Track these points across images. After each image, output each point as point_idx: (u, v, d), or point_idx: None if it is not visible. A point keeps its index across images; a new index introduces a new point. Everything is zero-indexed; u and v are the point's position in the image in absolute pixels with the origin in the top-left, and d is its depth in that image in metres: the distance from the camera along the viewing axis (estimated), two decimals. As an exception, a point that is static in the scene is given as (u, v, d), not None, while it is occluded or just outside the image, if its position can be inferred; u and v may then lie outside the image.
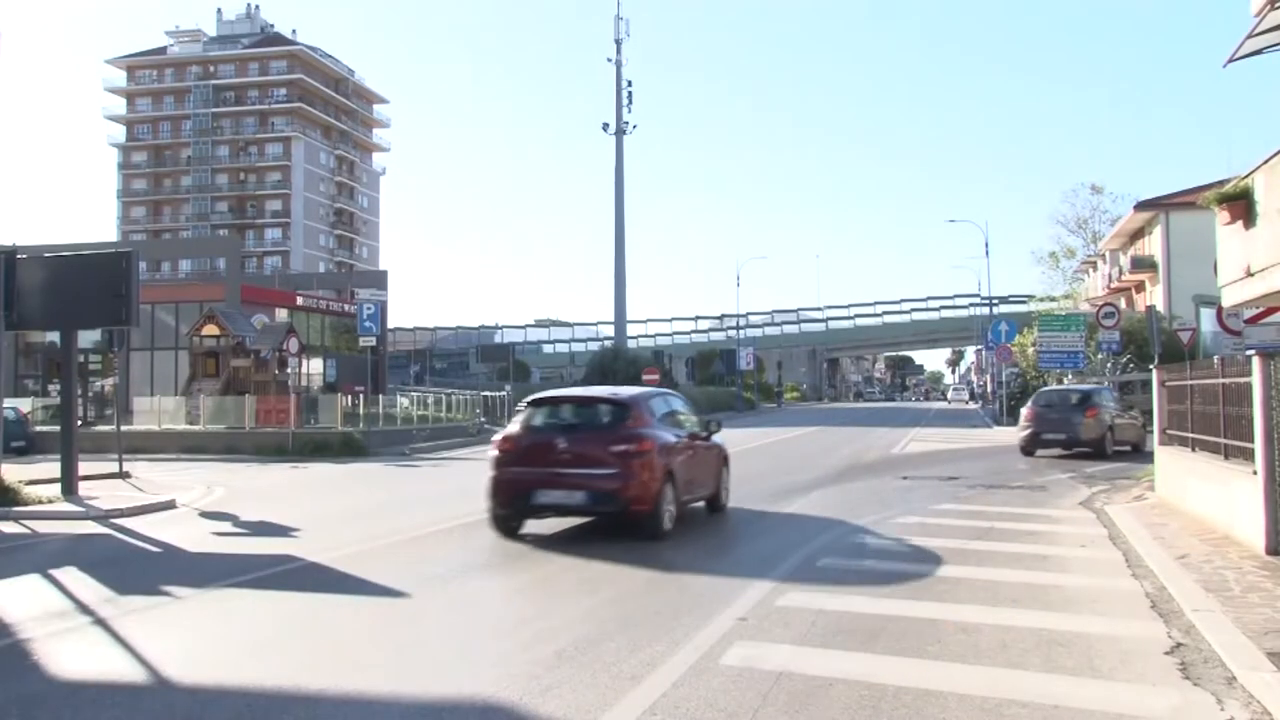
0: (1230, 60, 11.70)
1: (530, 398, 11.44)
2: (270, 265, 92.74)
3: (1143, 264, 47.08)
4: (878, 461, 21.04)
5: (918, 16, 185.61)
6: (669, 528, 10.38)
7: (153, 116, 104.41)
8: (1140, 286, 49.39)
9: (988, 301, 71.86)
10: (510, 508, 10.54)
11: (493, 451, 10.74)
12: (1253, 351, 9.39)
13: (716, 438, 12.61)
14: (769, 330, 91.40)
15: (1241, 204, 10.83)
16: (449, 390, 38.73)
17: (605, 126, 60.59)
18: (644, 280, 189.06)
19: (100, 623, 7.09)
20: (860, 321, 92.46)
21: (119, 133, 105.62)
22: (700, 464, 11.75)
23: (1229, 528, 9.74)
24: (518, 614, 7.30)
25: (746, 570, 8.71)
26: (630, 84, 60.68)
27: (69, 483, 14.80)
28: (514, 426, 10.88)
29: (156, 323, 39.26)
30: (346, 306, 47.86)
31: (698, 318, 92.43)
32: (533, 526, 10.99)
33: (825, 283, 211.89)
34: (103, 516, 13.22)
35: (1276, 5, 10.07)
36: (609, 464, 10.04)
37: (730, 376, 62.02)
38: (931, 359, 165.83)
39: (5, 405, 25.59)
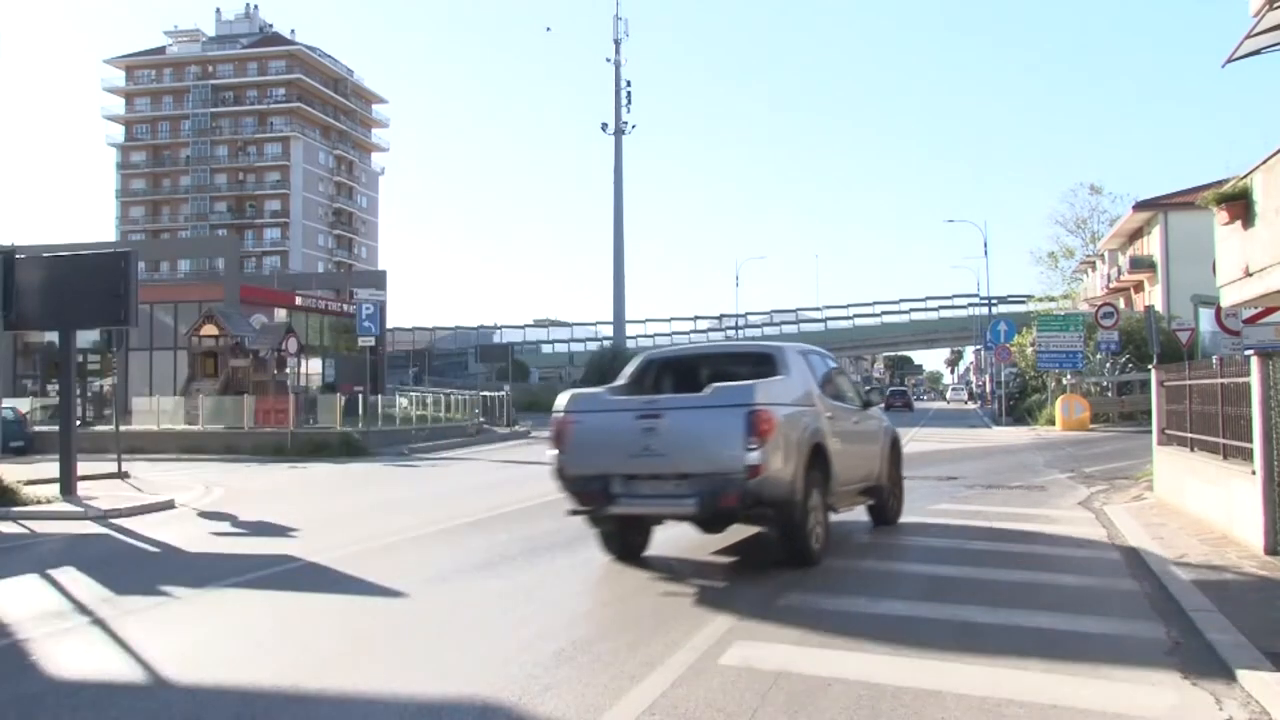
0: (1229, 60, 11.71)
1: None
2: (269, 265, 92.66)
3: (1141, 264, 47.15)
4: (877, 461, 21.01)
5: (917, 17, 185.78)
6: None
7: (151, 116, 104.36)
8: (1139, 286, 49.44)
9: (986, 301, 71.91)
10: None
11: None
12: (1251, 351, 9.38)
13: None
14: (768, 330, 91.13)
15: (1240, 204, 10.83)
16: (448, 390, 38.68)
17: (604, 126, 60.54)
18: (643, 280, 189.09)
19: (99, 623, 7.09)
20: (859, 321, 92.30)
21: (118, 133, 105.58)
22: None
23: (1228, 528, 9.74)
24: (517, 614, 7.30)
25: (745, 570, 8.71)
26: (629, 84, 60.66)
27: (67, 483, 14.79)
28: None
29: (155, 323, 39.22)
30: (345, 306, 47.84)
31: (696, 318, 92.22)
32: (532, 529, 11.06)
33: (824, 283, 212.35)
34: (101, 516, 13.22)
35: (1275, 5, 10.08)
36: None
37: (729, 376, 61.87)
38: (930, 359, 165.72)
39: (4, 405, 25.65)
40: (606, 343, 66.78)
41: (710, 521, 8.70)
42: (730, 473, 7.86)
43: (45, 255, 16.28)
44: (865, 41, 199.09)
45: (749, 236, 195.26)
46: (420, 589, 8.14)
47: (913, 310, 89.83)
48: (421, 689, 5.38)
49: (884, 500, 10.95)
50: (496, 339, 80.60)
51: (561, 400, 8.88)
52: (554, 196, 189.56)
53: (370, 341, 32.47)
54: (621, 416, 8.43)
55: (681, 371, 9.98)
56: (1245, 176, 10.93)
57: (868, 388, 12.53)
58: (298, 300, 46.50)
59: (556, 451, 8.62)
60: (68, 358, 15.90)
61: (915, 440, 28.95)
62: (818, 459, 8.65)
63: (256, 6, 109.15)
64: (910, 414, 51.12)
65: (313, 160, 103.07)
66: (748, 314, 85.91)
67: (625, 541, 9.13)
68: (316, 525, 12.34)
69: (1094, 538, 10.38)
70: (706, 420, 8.15)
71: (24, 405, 30.25)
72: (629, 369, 9.95)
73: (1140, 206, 46.21)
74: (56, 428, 18.62)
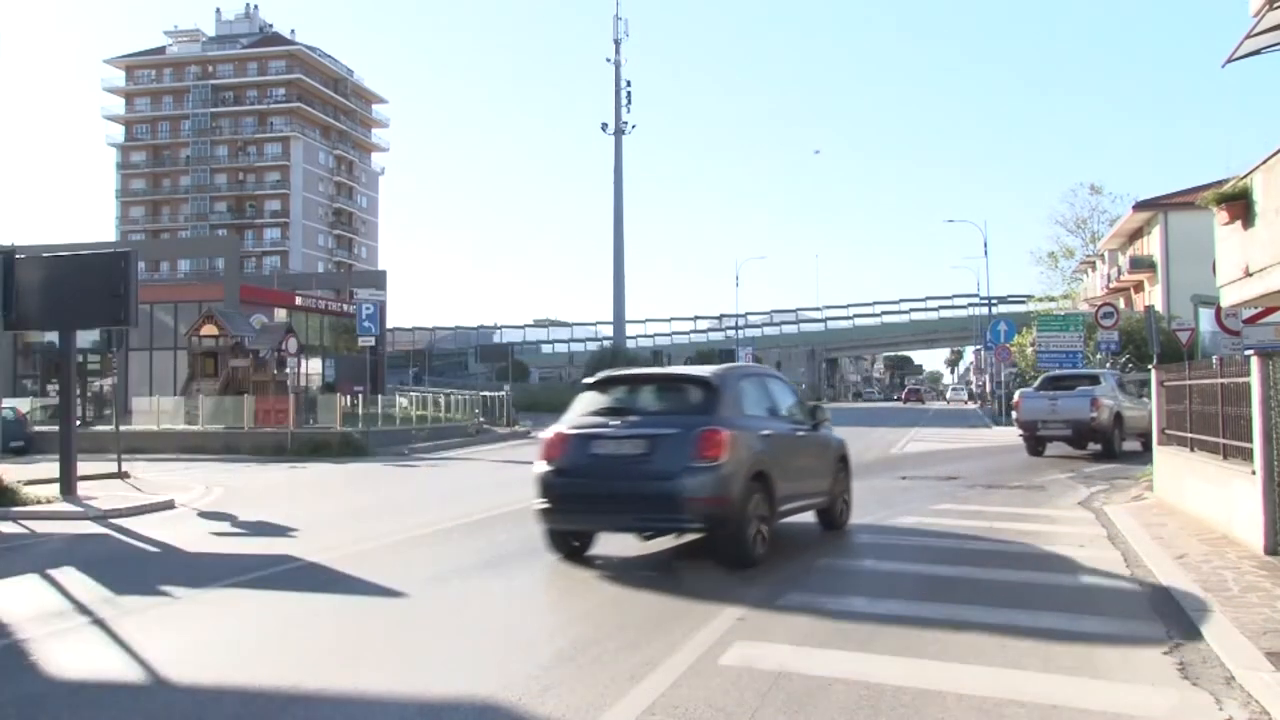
0: (1229, 60, 11.71)
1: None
2: (269, 265, 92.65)
3: (1141, 264, 47.11)
4: (876, 461, 21.02)
5: (917, 18, 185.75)
6: None
7: (151, 116, 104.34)
8: (1139, 286, 49.42)
9: (986, 301, 71.91)
10: None
11: None
12: (1251, 351, 9.38)
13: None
14: (768, 330, 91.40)
15: (1240, 204, 10.82)
16: (448, 390, 38.70)
17: (604, 126, 60.63)
18: (643, 280, 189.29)
19: (99, 623, 7.09)
20: (859, 321, 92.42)
21: (118, 133, 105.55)
22: None
23: (1227, 528, 9.74)
24: (517, 614, 7.29)
25: (746, 570, 8.71)
26: (629, 84, 60.77)
27: (67, 483, 14.79)
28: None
29: (155, 323, 39.26)
30: (345, 306, 47.89)
31: (696, 318, 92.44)
32: (531, 529, 11.07)
33: (824, 283, 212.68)
34: (101, 516, 13.21)
35: (1275, 5, 10.08)
36: None
37: (729, 377, 61.84)
38: (930, 359, 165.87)
39: (4, 405, 25.66)
40: (606, 343, 66.86)
41: (1076, 440, 20.73)
42: (1084, 420, 20.02)
43: (45, 255, 16.27)
44: (866, 41, 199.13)
45: (749, 236, 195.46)
46: (420, 589, 8.14)
47: (913, 310, 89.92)
48: (421, 689, 5.39)
49: (1148, 440, 18.12)
50: (496, 339, 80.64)
51: (1017, 394, 23.45)
52: (554, 196, 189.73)
53: (370, 341, 32.51)
54: (1042, 400, 20.92)
55: (1055, 381, 21.95)
56: (1245, 176, 10.93)
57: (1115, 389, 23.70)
58: (298, 300, 46.54)
59: (1016, 413, 21.52)
60: (68, 358, 15.89)
61: (916, 440, 28.96)
62: (1119, 418, 20.52)
63: (256, 6, 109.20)
64: (920, 408, 66.27)
65: (313, 160, 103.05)
66: (748, 314, 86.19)
67: (1035, 449, 21.26)
68: (316, 525, 12.34)
69: (1094, 538, 10.38)
70: (1076, 401, 20.22)
71: (24, 405, 30.24)
72: (1036, 382, 23.49)
73: (1140, 206, 46.18)
74: (56, 428, 18.62)
